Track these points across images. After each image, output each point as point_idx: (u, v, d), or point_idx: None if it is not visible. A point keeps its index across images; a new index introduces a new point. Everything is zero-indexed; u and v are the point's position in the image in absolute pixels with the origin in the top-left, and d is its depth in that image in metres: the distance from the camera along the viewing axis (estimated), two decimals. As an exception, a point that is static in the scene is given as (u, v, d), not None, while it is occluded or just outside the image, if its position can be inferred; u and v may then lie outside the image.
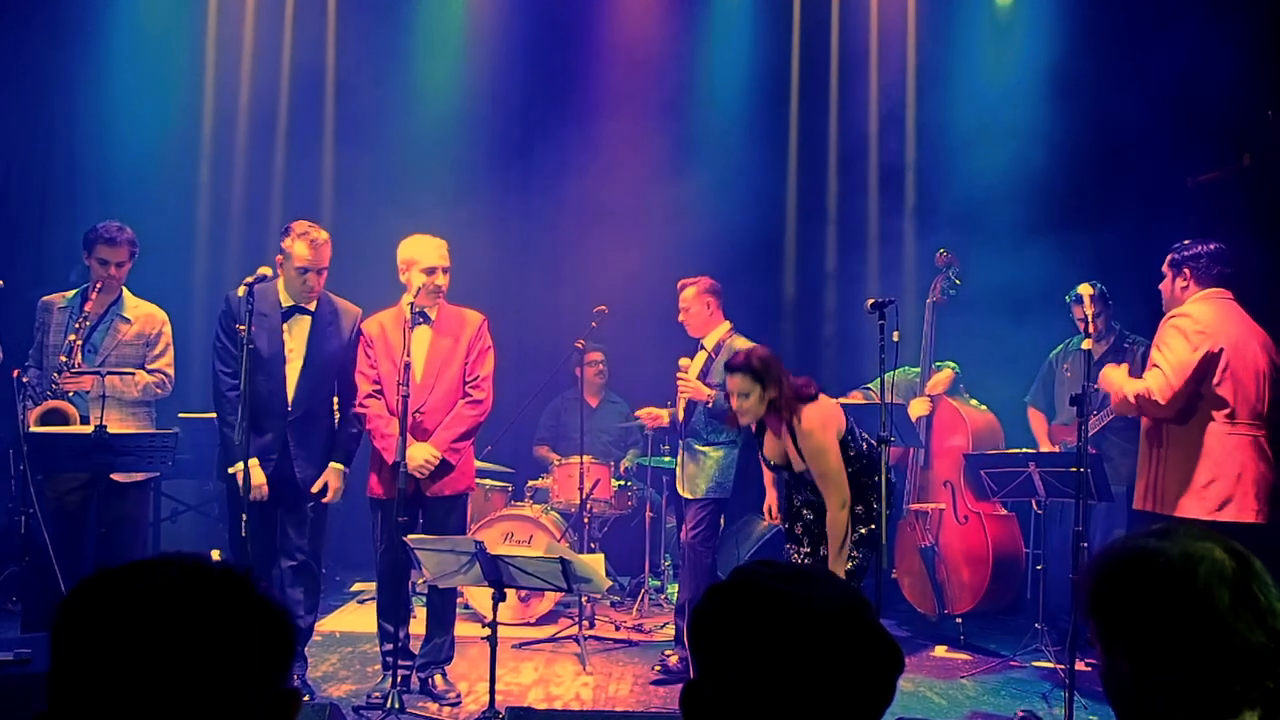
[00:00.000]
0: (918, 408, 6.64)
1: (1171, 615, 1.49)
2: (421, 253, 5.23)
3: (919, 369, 6.83)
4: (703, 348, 5.98)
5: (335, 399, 5.32)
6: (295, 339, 5.16)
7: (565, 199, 8.41)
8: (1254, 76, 6.75)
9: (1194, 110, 7.00)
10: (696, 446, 5.86)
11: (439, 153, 8.17)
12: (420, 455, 5.13)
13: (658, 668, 5.80)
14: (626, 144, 8.23)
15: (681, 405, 5.90)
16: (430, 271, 5.19)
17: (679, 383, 5.83)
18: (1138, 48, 7.31)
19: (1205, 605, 1.48)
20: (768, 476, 5.55)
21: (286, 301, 5.16)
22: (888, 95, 8.39)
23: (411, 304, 5.15)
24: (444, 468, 5.22)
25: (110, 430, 4.79)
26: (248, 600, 1.25)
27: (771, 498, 5.54)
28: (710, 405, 5.72)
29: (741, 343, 5.86)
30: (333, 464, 5.23)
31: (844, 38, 8.42)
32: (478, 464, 6.12)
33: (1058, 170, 7.48)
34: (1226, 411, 4.75)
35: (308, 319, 5.18)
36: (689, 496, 5.85)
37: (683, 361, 5.90)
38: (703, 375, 5.85)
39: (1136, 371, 5.97)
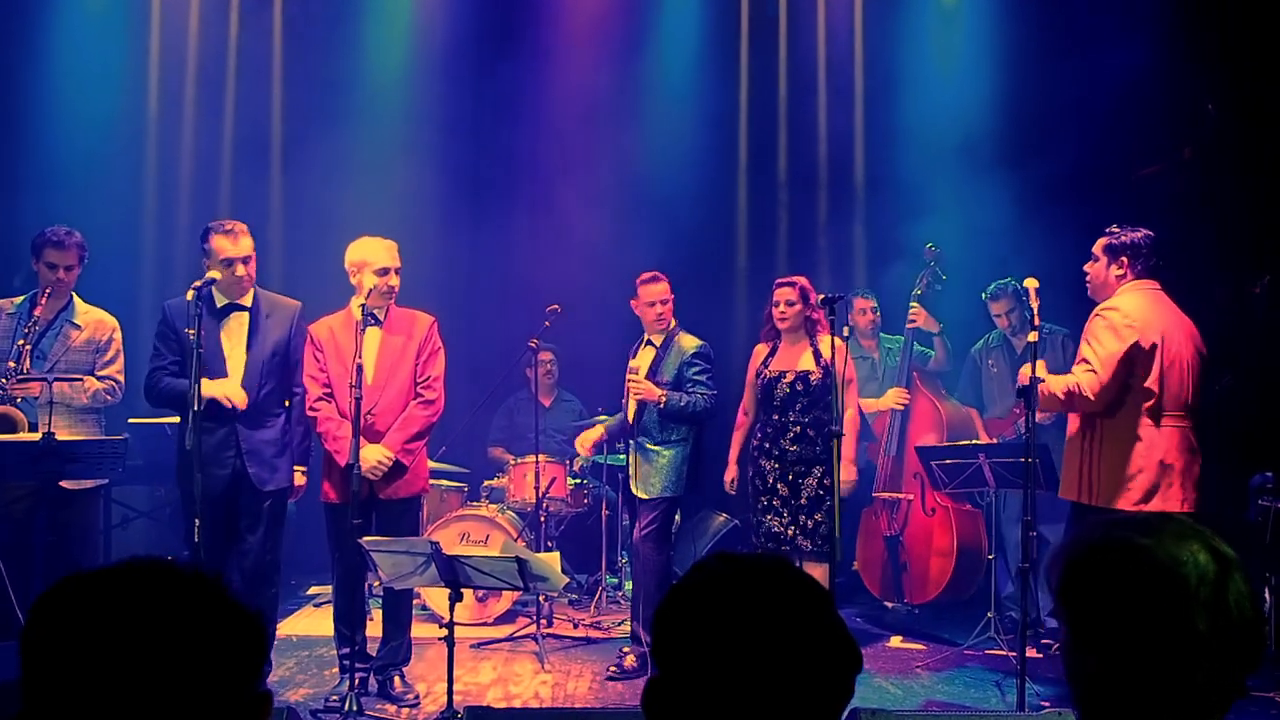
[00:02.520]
0: (893, 397, 6.72)
1: (1152, 617, 1.45)
2: (373, 254, 5.23)
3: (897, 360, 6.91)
4: (651, 344, 5.99)
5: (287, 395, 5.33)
6: (234, 337, 5.14)
7: (515, 198, 8.41)
8: (1193, 72, 6.88)
9: (1136, 105, 7.12)
10: (649, 446, 5.87)
11: (388, 155, 8.10)
12: (373, 456, 5.12)
13: (614, 667, 5.81)
14: (575, 141, 8.23)
15: (632, 406, 5.93)
16: (383, 272, 5.20)
17: (630, 384, 5.85)
18: (1080, 45, 7.41)
19: (1188, 611, 1.45)
20: (735, 447, 6.09)
21: (221, 301, 5.14)
22: (837, 90, 8.45)
23: (363, 305, 5.13)
24: (397, 470, 5.21)
25: (59, 437, 4.74)
26: (222, 603, 1.26)
27: (733, 472, 6.16)
28: (662, 406, 5.75)
29: (688, 339, 5.90)
30: (294, 468, 5.29)
31: (791, 31, 8.47)
32: (432, 465, 6.09)
33: (1002, 165, 7.55)
34: (1154, 403, 4.74)
35: (245, 314, 5.18)
36: (643, 496, 5.86)
37: (633, 363, 5.92)
38: (652, 373, 5.87)
39: (1059, 360, 6.05)
